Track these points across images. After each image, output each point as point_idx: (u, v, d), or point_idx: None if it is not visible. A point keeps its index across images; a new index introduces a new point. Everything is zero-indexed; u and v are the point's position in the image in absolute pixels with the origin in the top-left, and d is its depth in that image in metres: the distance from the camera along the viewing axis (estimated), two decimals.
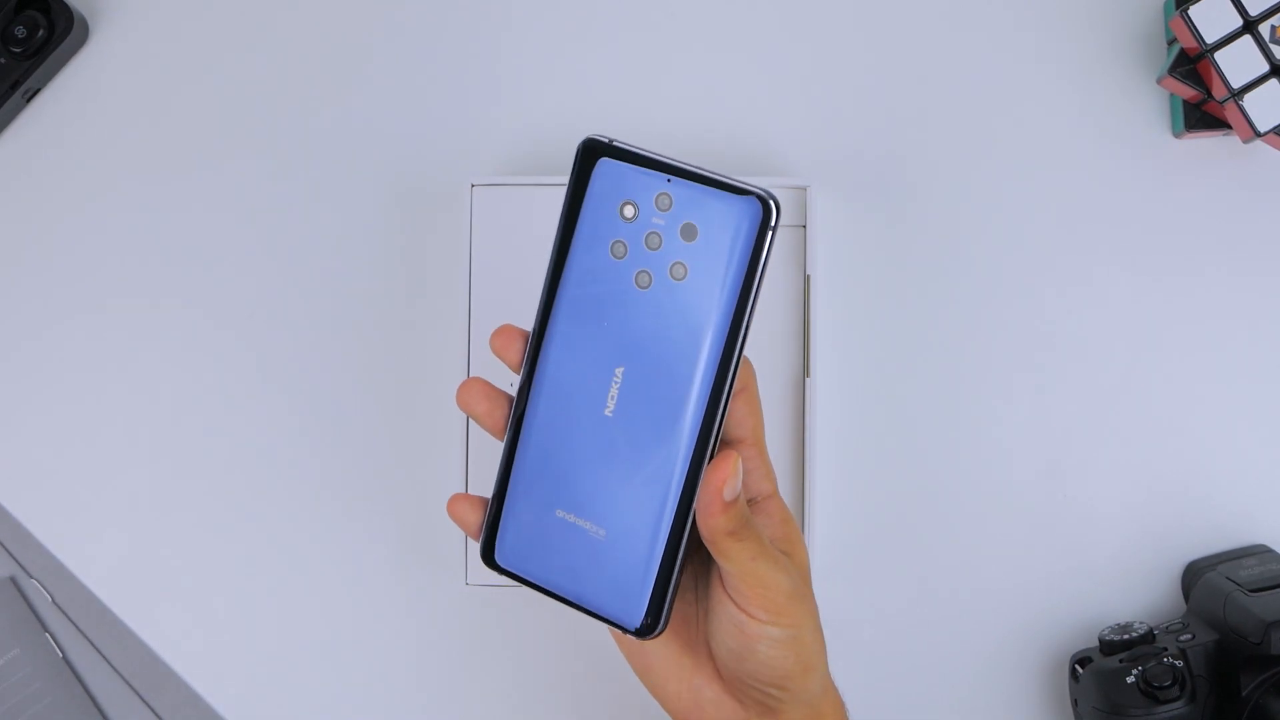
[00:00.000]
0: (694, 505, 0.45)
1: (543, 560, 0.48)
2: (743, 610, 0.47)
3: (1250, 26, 0.61)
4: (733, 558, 0.46)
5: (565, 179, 0.65)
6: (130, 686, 0.70)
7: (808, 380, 0.64)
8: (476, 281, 0.65)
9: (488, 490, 0.50)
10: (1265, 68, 0.61)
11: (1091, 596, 0.66)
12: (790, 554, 0.49)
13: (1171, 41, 0.66)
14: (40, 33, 0.70)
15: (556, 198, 0.64)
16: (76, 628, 0.71)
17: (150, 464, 0.70)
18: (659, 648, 0.50)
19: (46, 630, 0.71)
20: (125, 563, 0.70)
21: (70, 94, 0.73)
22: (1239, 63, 0.61)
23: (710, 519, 0.45)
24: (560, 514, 0.47)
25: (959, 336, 0.67)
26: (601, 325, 0.46)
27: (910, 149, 0.68)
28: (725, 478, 0.44)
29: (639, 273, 0.45)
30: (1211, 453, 0.66)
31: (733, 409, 0.46)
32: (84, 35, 0.72)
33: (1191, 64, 0.63)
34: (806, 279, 0.64)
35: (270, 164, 0.71)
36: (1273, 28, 0.60)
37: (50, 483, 0.71)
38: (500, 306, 0.65)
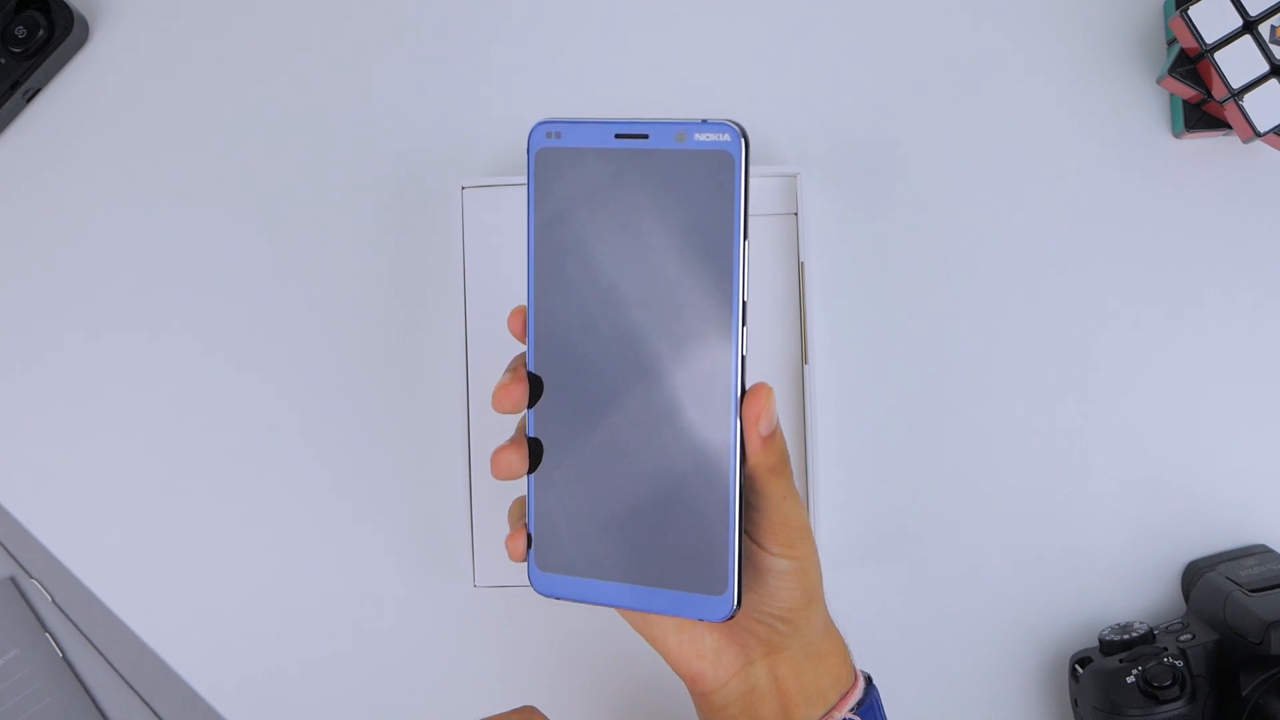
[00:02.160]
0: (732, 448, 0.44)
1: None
2: (756, 542, 0.47)
3: (1250, 26, 0.61)
4: (769, 495, 0.45)
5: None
6: (130, 686, 0.70)
7: (806, 368, 0.64)
8: (470, 283, 0.65)
9: (496, 499, 0.49)
10: (1265, 68, 0.61)
11: (1091, 596, 0.66)
12: None
13: (1171, 41, 0.66)
14: (40, 33, 0.70)
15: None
16: (76, 628, 0.71)
17: (150, 464, 0.70)
18: None
19: (46, 630, 0.71)
20: (125, 563, 0.70)
21: (70, 94, 0.73)
22: (1239, 63, 0.61)
23: (754, 456, 0.44)
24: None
25: (957, 335, 0.67)
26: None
27: (905, 142, 0.68)
28: (760, 411, 0.44)
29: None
30: (1211, 453, 0.66)
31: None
32: (84, 35, 0.72)
33: (1191, 64, 0.63)
34: (800, 266, 0.64)
35: (266, 167, 0.71)
36: (1273, 28, 0.60)
37: (50, 483, 0.71)
38: (495, 307, 0.65)
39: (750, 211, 0.44)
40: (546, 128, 0.45)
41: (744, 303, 0.43)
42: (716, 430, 0.44)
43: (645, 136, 0.44)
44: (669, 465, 0.45)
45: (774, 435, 0.45)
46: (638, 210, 0.44)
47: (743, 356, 0.44)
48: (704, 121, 0.43)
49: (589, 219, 0.45)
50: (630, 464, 0.45)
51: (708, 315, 0.44)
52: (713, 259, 0.43)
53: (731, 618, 0.45)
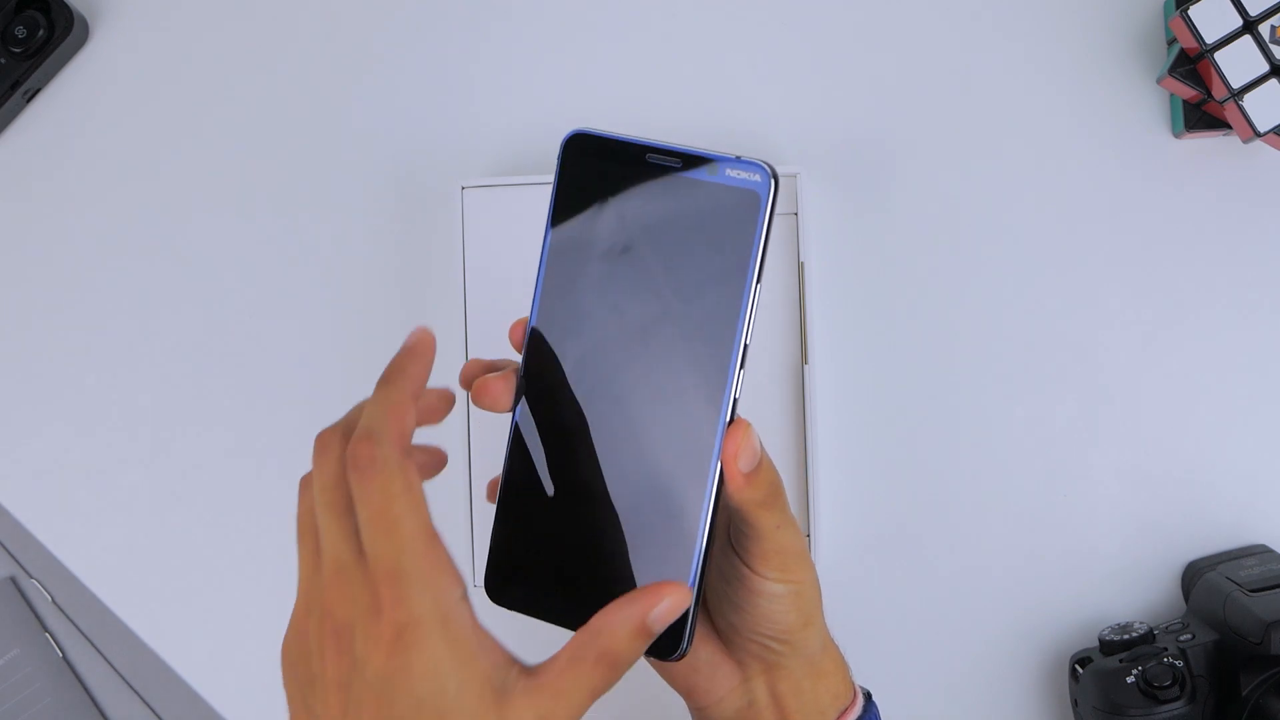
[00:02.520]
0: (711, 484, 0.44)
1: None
2: (750, 568, 0.46)
3: (1250, 26, 0.61)
4: (761, 528, 0.45)
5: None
6: (130, 686, 0.70)
7: (806, 368, 0.64)
8: (470, 283, 0.65)
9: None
10: (1265, 68, 0.61)
11: (1091, 596, 0.66)
12: None
13: (1171, 41, 0.66)
14: (40, 33, 0.70)
15: (549, 198, 0.64)
16: (76, 628, 0.71)
17: (150, 464, 0.70)
18: None
19: (46, 630, 0.71)
20: (125, 563, 0.70)
21: (70, 94, 0.73)
22: (1239, 63, 0.61)
23: (739, 493, 0.44)
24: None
25: (957, 335, 0.67)
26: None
27: (905, 142, 0.68)
28: (737, 449, 0.43)
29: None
30: (1211, 453, 0.66)
31: None
32: (84, 35, 0.72)
33: (1191, 64, 0.63)
34: (800, 266, 0.65)
35: (265, 167, 0.71)
36: (1273, 28, 0.60)
37: (50, 483, 0.71)
38: (495, 308, 0.65)
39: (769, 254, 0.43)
40: (580, 137, 0.45)
41: (745, 345, 0.43)
42: (694, 469, 0.43)
43: (677, 162, 0.43)
44: (641, 495, 0.44)
45: (759, 470, 0.44)
46: (657, 235, 0.43)
47: (735, 399, 0.43)
48: (737, 159, 0.43)
49: (607, 235, 0.44)
50: (603, 487, 0.45)
51: (707, 352, 0.43)
52: (722, 296, 0.43)
53: (679, 659, 0.44)
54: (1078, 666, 0.62)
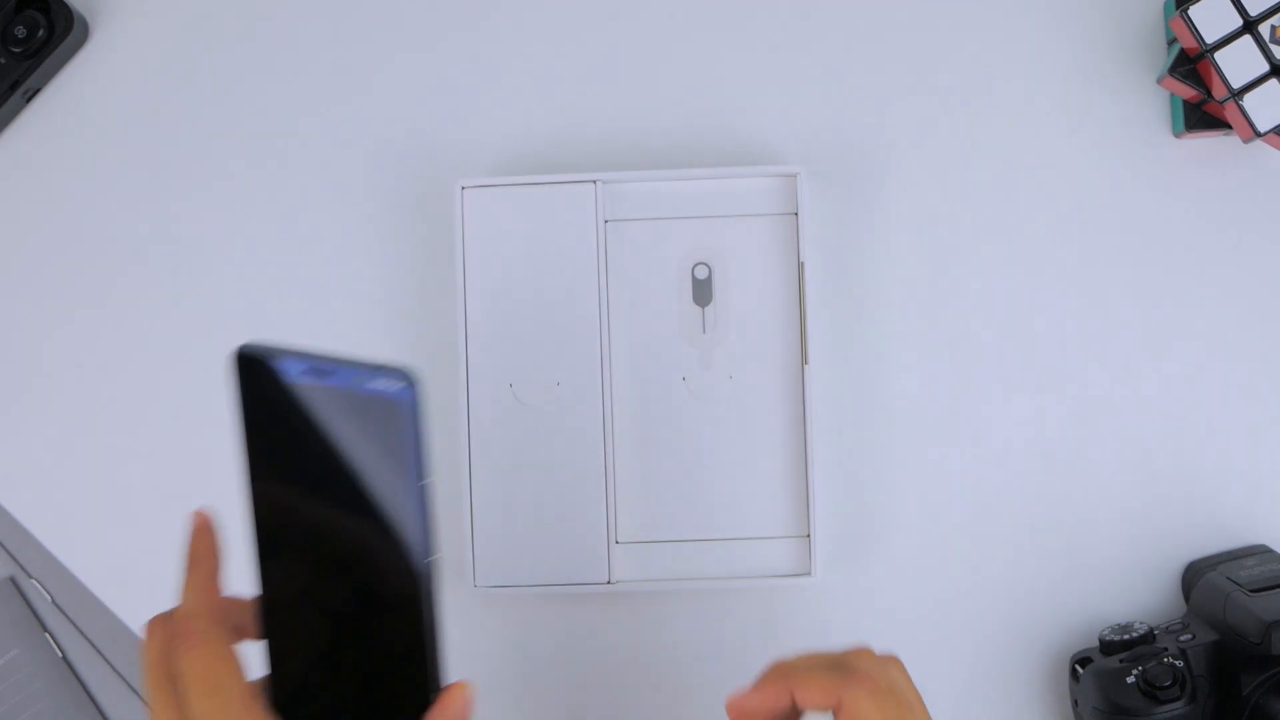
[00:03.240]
0: None
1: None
2: None
3: (1250, 26, 0.61)
4: None
5: (556, 177, 0.66)
6: (130, 686, 0.70)
7: (806, 368, 0.64)
8: (470, 283, 0.65)
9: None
10: (1265, 68, 0.61)
11: (1091, 596, 0.66)
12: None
13: (1171, 41, 0.66)
14: (40, 33, 0.70)
15: (548, 197, 0.65)
16: (76, 628, 0.71)
17: (150, 464, 0.70)
18: None
19: (46, 630, 0.71)
20: (125, 563, 0.70)
21: (70, 94, 0.73)
22: (1239, 63, 0.61)
23: None
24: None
25: (956, 335, 0.67)
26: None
27: (905, 142, 0.68)
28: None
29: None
30: (1211, 453, 0.66)
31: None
32: (84, 35, 0.72)
33: (1191, 64, 0.63)
34: (800, 266, 0.65)
35: (266, 166, 0.71)
36: (1273, 28, 0.60)
37: (50, 483, 0.71)
38: (495, 308, 0.65)
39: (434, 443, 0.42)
40: (249, 351, 0.44)
41: (430, 562, 0.42)
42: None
43: (332, 375, 0.42)
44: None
45: None
46: (331, 450, 0.42)
47: (433, 623, 0.43)
48: (378, 368, 0.42)
49: (290, 455, 0.44)
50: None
51: (396, 574, 0.42)
52: (396, 507, 0.42)
53: None
54: (1078, 666, 0.62)
